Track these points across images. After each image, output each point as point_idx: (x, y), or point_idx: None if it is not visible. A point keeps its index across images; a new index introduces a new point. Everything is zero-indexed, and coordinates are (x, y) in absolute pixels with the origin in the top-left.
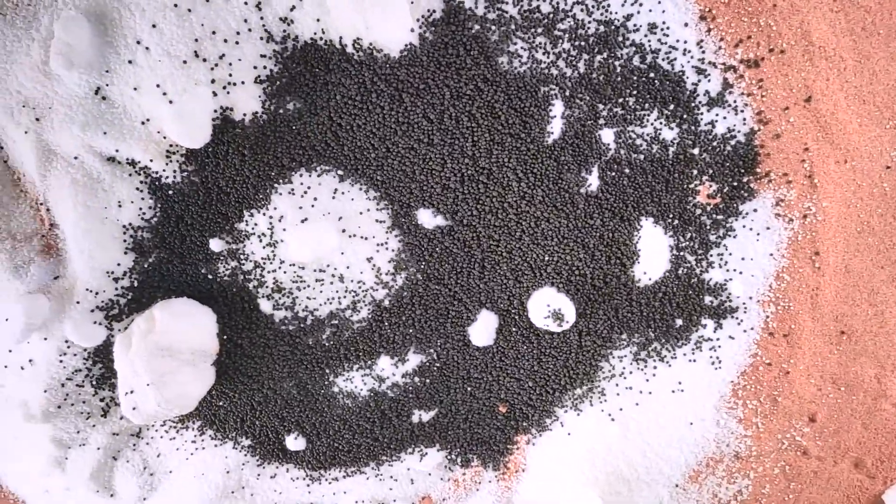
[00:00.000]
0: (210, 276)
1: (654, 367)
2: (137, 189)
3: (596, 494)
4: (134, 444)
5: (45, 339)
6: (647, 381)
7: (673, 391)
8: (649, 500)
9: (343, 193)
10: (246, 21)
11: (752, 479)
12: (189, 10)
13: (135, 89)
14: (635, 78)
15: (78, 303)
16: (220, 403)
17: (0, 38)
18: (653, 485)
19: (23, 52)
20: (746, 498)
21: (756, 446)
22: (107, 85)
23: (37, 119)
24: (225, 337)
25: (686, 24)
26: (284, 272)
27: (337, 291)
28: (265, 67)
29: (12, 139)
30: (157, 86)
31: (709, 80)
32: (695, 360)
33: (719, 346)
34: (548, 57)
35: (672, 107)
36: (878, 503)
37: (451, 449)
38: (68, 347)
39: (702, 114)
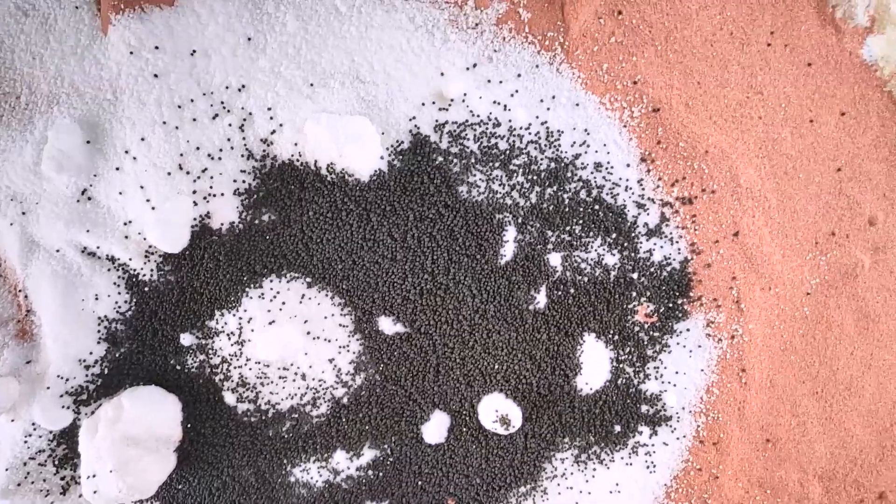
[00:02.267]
0: (178, 367)
1: (594, 469)
2: (115, 284)
3: None
4: None
5: (12, 420)
6: (587, 481)
7: (610, 491)
8: None
9: (310, 299)
10: (229, 140)
11: None
12: (176, 128)
13: (120, 193)
14: (582, 209)
15: (48, 388)
16: (180, 487)
17: None
18: None
19: (16, 153)
20: None
21: None
22: (92, 186)
23: (23, 213)
24: (189, 425)
25: (628, 165)
26: (250, 368)
27: (299, 388)
28: (244, 182)
29: None
30: (142, 190)
31: (648, 214)
32: (631, 464)
33: (654, 452)
34: (503, 188)
35: (614, 235)
36: None
37: None
38: (34, 429)
39: (641, 243)
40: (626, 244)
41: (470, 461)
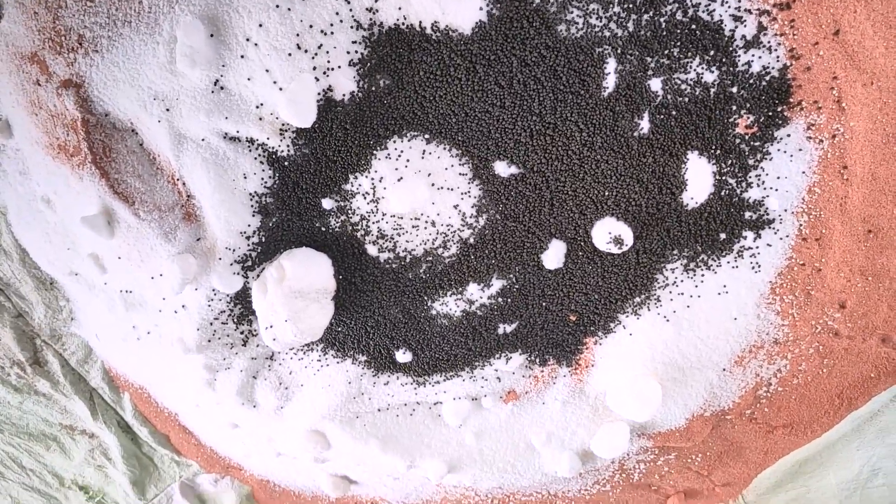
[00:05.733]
0: (324, 229)
1: (702, 275)
2: (259, 161)
3: (655, 380)
4: (269, 366)
5: (196, 289)
6: (696, 286)
7: (719, 293)
8: (700, 382)
9: (430, 153)
10: (337, 13)
11: (789, 360)
12: (289, 9)
13: (248, 79)
14: (678, 31)
15: (220, 259)
16: (339, 329)
17: (129, 43)
18: (703, 370)
19: (150, 54)
20: (785, 375)
21: (792, 332)
22: (223, 76)
23: (167, 109)
24: (340, 277)
25: None
26: (386, 222)
27: (430, 234)
28: (357, 52)
29: (147, 126)
30: (267, 74)
31: (745, 26)
32: (737, 267)
33: (759, 253)
34: (600, 20)
35: (712, 52)
36: None
37: (531, 352)
38: (214, 294)
39: (739, 56)
40: (724, 59)
41: (587, 280)
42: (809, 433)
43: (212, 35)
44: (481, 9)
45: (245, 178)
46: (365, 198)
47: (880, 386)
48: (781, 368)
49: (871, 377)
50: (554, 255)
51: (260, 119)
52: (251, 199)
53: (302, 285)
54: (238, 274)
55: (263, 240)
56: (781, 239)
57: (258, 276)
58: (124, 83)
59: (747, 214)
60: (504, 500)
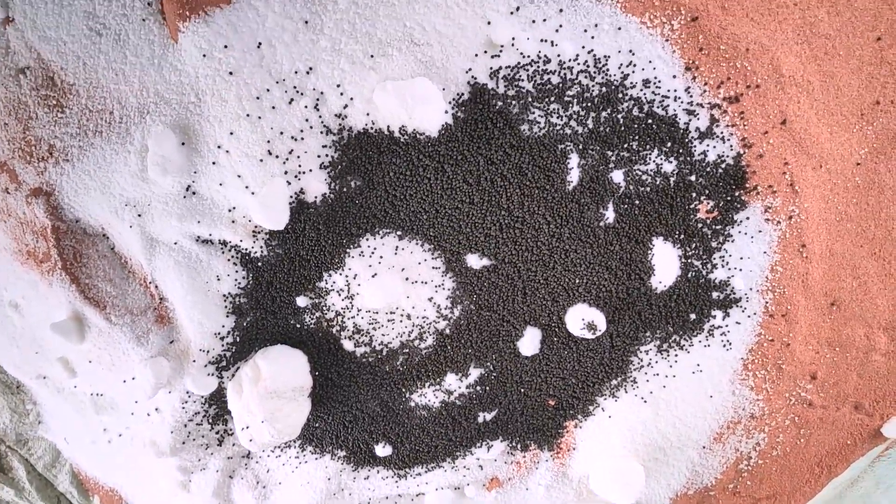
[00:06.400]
0: (299, 326)
1: (676, 356)
2: (232, 263)
3: (637, 462)
4: (245, 464)
5: (169, 392)
6: (671, 367)
7: (693, 372)
8: (682, 461)
9: (403, 249)
10: (307, 120)
11: (767, 433)
12: (259, 118)
13: (220, 185)
14: (636, 125)
15: (194, 361)
16: (317, 425)
17: (100, 152)
18: (684, 449)
19: (121, 163)
20: (764, 448)
21: (767, 406)
22: (194, 182)
23: (139, 215)
24: (317, 373)
25: (674, 76)
26: (361, 318)
27: (406, 327)
28: (327, 156)
29: (118, 232)
30: (239, 179)
31: (698, 119)
32: (709, 345)
33: (728, 332)
34: (561, 119)
35: (669, 144)
36: (878, 436)
37: (512, 439)
38: (189, 396)
39: (695, 146)
40: (681, 150)
41: (564, 366)
42: (793, 503)
43: (183, 143)
44: (447, 112)
45: (218, 279)
46: (339, 294)
47: (857, 452)
48: (760, 442)
49: (847, 444)
50: (529, 342)
51: (233, 222)
52: (225, 300)
53: (278, 384)
54: (212, 375)
55: (238, 339)
56: (749, 316)
57: (233, 375)
58: (95, 191)
59: (714, 294)
60: None
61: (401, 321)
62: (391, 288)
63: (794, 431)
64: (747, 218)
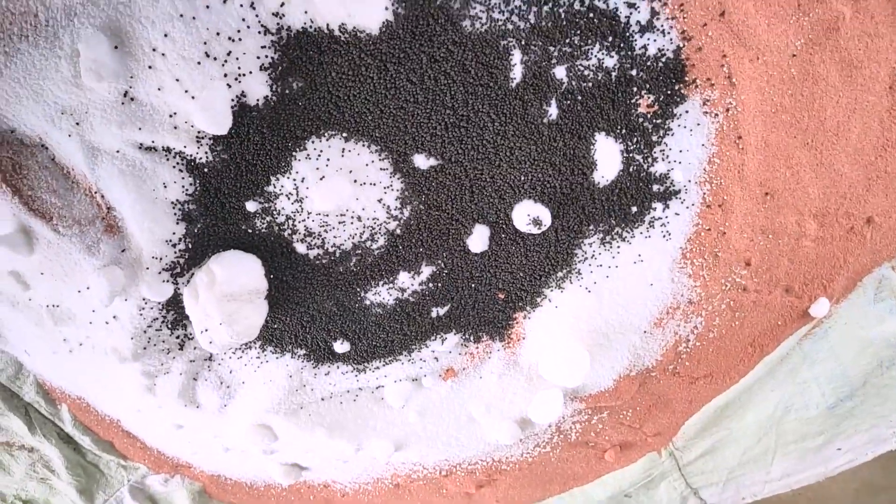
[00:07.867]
0: (250, 231)
1: (618, 247)
2: (178, 170)
3: (582, 347)
4: (209, 366)
5: (126, 300)
6: (613, 258)
7: (634, 262)
8: (624, 345)
9: (350, 151)
10: (244, 20)
11: (704, 317)
12: (193, 18)
13: (159, 90)
14: (577, 19)
15: (148, 268)
16: (276, 326)
17: (29, 58)
18: (626, 334)
19: (53, 69)
20: (701, 331)
21: (704, 292)
22: (132, 88)
23: (77, 123)
24: (272, 276)
25: None
26: (312, 220)
27: (357, 228)
28: (267, 57)
29: (57, 142)
30: (178, 83)
31: (639, 12)
32: (650, 237)
33: (668, 223)
34: (503, 15)
35: (611, 39)
36: (805, 316)
37: (465, 331)
38: (145, 303)
39: (636, 40)
40: (622, 44)
41: (512, 260)
42: (728, 380)
43: (116, 47)
44: (387, 9)
45: (165, 186)
46: (289, 198)
47: (787, 331)
48: (697, 325)
49: (778, 324)
50: (478, 239)
51: (175, 128)
52: (174, 208)
53: (233, 288)
54: (167, 282)
55: (190, 246)
56: (688, 208)
57: (188, 281)
58: (28, 99)
59: (655, 187)
60: (451, 471)
61: (352, 223)
62: (340, 190)
63: (729, 315)
64: (686, 111)
